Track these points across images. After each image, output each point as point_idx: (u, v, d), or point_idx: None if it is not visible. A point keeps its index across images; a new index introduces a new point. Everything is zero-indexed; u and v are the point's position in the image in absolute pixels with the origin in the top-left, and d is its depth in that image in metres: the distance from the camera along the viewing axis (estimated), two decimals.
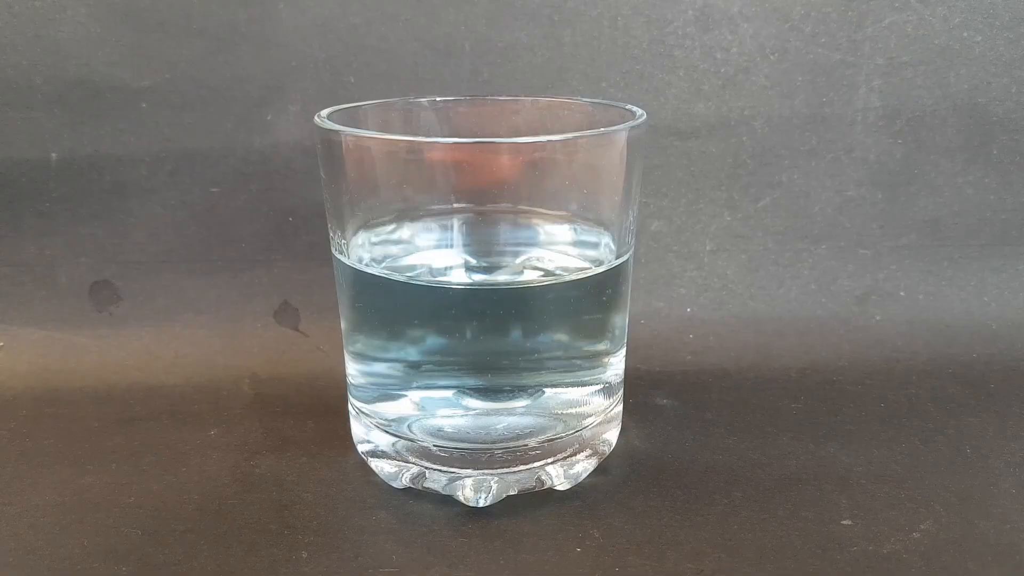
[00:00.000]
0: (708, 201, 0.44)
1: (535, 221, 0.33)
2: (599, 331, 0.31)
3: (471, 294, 0.29)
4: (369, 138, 0.28)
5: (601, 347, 0.31)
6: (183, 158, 0.43)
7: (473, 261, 0.32)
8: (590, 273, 0.30)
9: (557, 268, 0.32)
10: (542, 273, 0.33)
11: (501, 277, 0.32)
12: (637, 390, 0.38)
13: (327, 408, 0.37)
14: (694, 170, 0.44)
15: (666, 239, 0.45)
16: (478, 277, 0.32)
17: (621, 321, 0.32)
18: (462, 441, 0.29)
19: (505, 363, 0.29)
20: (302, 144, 0.42)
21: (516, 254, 0.33)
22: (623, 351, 0.33)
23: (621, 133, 0.29)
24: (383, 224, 0.32)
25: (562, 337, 0.30)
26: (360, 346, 0.31)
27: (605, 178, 0.30)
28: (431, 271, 0.32)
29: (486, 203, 0.31)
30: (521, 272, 0.32)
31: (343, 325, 0.32)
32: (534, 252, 0.33)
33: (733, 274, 0.45)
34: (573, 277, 0.30)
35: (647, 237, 0.45)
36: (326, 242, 0.32)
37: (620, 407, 0.34)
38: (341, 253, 0.30)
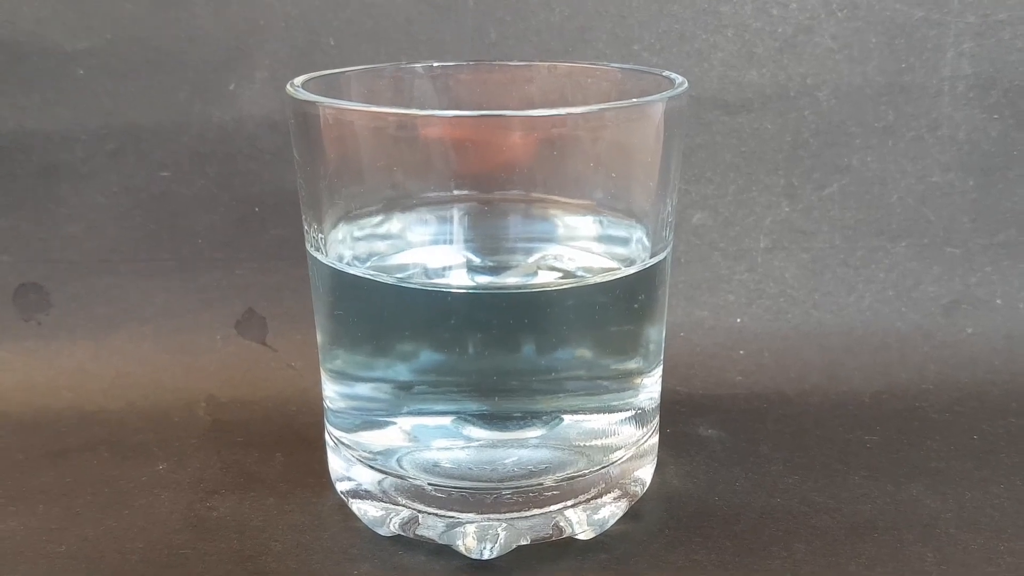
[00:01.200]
0: (762, 188, 0.44)
1: (552, 212, 0.33)
2: (630, 345, 0.31)
3: (474, 300, 0.29)
4: (353, 111, 0.28)
5: (632, 365, 0.31)
6: (127, 135, 0.43)
7: (477, 260, 0.32)
8: (619, 275, 0.30)
9: (578, 269, 0.32)
10: (560, 275, 0.32)
11: (510, 279, 0.32)
12: (676, 418, 0.39)
13: (299, 439, 0.37)
14: (745, 151, 0.44)
15: (711, 234, 0.45)
16: (483, 279, 0.32)
17: (657, 334, 0.32)
18: (463, 479, 0.29)
19: (515, 384, 0.29)
20: (271, 119, 0.42)
21: (529, 252, 0.33)
22: (659, 370, 0.33)
23: (657, 105, 0.28)
24: (368, 215, 0.32)
25: (584, 353, 0.30)
26: (340, 363, 0.31)
27: (638, 159, 0.29)
28: (426, 272, 0.32)
29: (493, 190, 0.31)
30: (535, 273, 0.32)
31: (319, 338, 0.32)
32: (550, 249, 0.33)
33: (792, 277, 0.45)
34: (598, 279, 0.30)
35: (688, 231, 0.44)
36: (299, 237, 0.32)
37: (655, 439, 0.34)
38: (318, 250, 0.30)
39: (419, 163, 0.29)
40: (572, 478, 0.30)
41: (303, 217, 0.31)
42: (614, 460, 0.31)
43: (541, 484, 0.29)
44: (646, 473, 0.33)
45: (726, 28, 0.43)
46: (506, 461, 0.29)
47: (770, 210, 0.44)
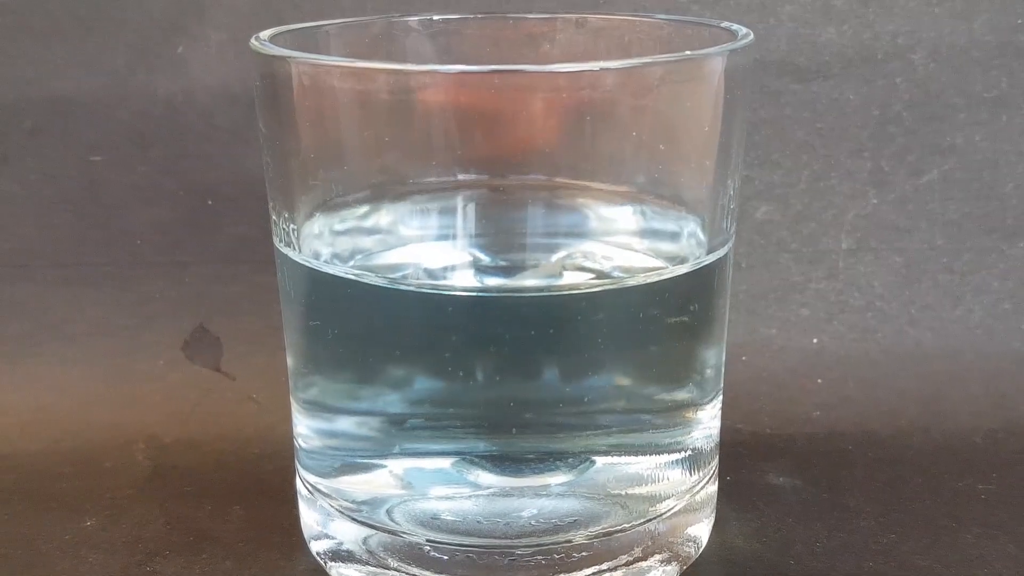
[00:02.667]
0: (843, 175, 0.44)
1: (581, 201, 0.33)
2: (680, 369, 0.30)
3: (482, 306, 0.29)
4: (333, 67, 0.28)
5: (683, 395, 0.31)
6: (51, 111, 0.43)
7: (486, 259, 0.32)
8: (666, 275, 0.30)
9: (614, 269, 0.32)
10: (592, 276, 0.32)
11: (529, 281, 0.31)
12: (739, 463, 0.38)
13: (263, 488, 0.37)
14: (822, 128, 0.44)
15: (780, 232, 0.45)
16: (494, 282, 0.32)
17: (714, 355, 0.32)
18: (469, 535, 0.29)
19: (532, 417, 0.29)
20: (229, 89, 0.43)
21: (551, 249, 0.32)
22: (717, 402, 0.33)
23: (716, 60, 0.28)
24: (352, 205, 0.32)
25: (622, 377, 0.30)
26: (315, 391, 0.31)
27: (691, 131, 0.29)
28: (423, 273, 0.31)
29: (507, 174, 0.31)
30: (559, 275, 0.32)
31: (290, 361, 0.32)
32: (579, 246, 0.33)
33: (883, 287, 0.45)
34: (640, 281, 0.30)
35: (751, 228, 0.45)
36: (264, 236, 0.32)
37: (713, 487, 0.33)
38: (288, 245, 0.30)
39: (415, 137, 0.29)
40: (608, 534, 0.30)
41: (270, 205, 0.31)
42: (661, 513, 0.31)
43: (569, 542, 0.29)
44: (701, 530, 0.33)
45: None
46: (523, 513, 0.29)
47: (854, 202, 0.44)
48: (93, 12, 0.42)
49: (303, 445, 0.32)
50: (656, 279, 0.29)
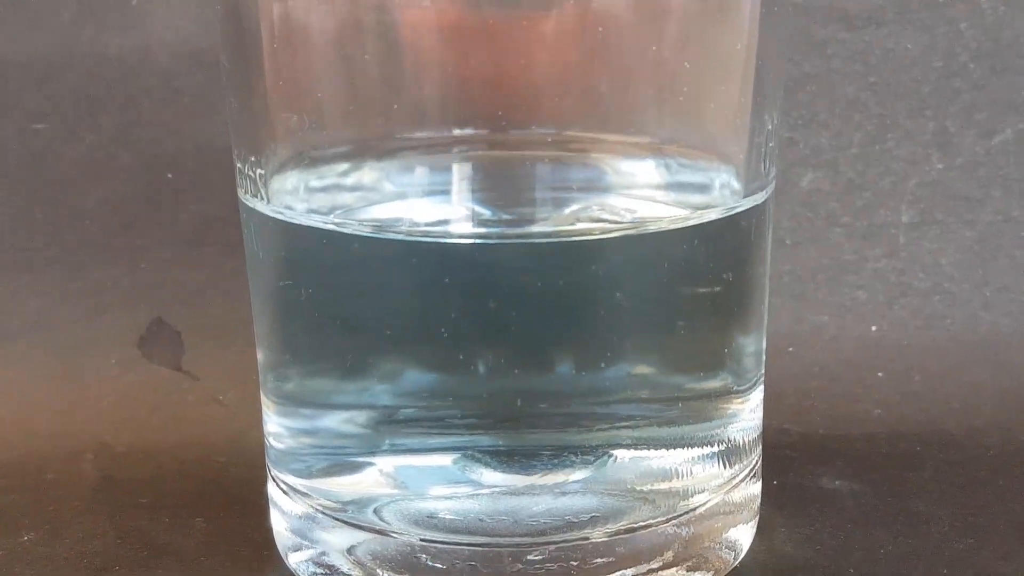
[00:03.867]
0: (902, 136, 0.44)
1: (596, 156, 0.32)
2: (713, 350, 0.31)
3: (482, 257, 0.28)
4: None
5: (716, 383, 0.31)
6: None
7: (487, 213, 0.31)
8: (693, 221, 0.30)
9: (636, 220, 0.32)
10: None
11: (536, 228, 0.31)
12: (787, 466, 0.38)
13: (230, 498, 0.37)
14: (875, 82, 0.44)
15: (829, 203, 0.45)
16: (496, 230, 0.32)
17: (755, 336, 0.32)
18: (471, 534, 0.29)
19: (544, 406, 0.29)
20: (191, 47, 0.43)
21: (563, 203, 0.32)
22: (759, 392, 0.32)
23: None
24: (330, 162, 0.32)
25: (645, 356, 0.30)
26: (289, 379, 0.31)
27: (721, 58, 0.29)
28: (413, 225, 0.31)
29: (509, 127, 0.31)
30: (572, 224, 0.32)
31: (259, 345, 0.32)
32: (595, 199, 0.32)
33: (951, 265, 0.45)
34: (664, 227, 0.30)
35: (796, 199, 0.45)
36: (231, 215, 0.32)
37: (755, 487, 0.33)
38: (256, 196, 0.30)
39: (398, 80, 0.29)
40: (631, 531, 0.30)
41: (234, 153, 0.31)
42: (692, 508, 0.30)
43: (586, 540, 0.29)
44: (741, 535, 0.33)
45: None
46: (533, 509, 0.29)
47: (915, 167, 0.45)
48: None
49: (276, 444, 0.32)
50: (682, 225, 0.29)
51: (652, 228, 0.30)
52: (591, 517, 0.29)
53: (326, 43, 0.29)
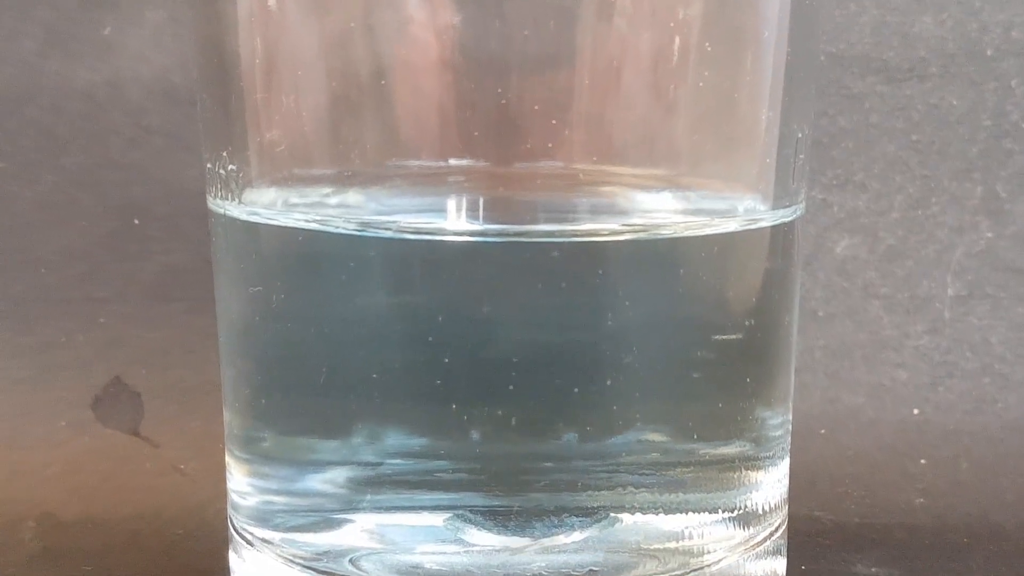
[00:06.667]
0: (948, 200, 0.45)
1: (607, 190, 0.33)
2: (735, 407, 0.31)
3: (475, 256, 0.29)
4: None
5: (732, 449, 0.31)
6: None
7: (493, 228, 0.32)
8: (712, 229, 0.30)
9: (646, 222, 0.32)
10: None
11: (540, 227, 0.32)
12: (819, 552, 0.39)
13: (188, 570, 0.37)
14: (919, 140, 0.45)
15: (867, 272, 0.45)
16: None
17: (780, 397, 0.32)
18: None
19: (547, 465, 0.30)
20: (166, 82, 0.44)
21: (570, 221, 0.33)
22: (784, 463, 0.33)
23: None
24: (313, 184, 0.32)
25: (658, 413, 0.30)
26: (268, 444, 0.32)
27: (745, 56, 0.30)
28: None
29: (513, 160, 0.32)
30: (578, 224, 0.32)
31: (226, 392, 0.33)
32: (607, 221, 0.33)
33: (1002, 344, 0.45)
34: (678, 232, 0.30)
35: (831, 267, 0.45)
36: (201, 267, 0.33)
37: (780, 564, 0.34)
38: (227, 198, 0.31)
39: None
40: None
41: (204, 155, 0.31)
42: (705, 564, 0.31)
43: None
44: None
45: None
46: (529, 567, 0.30)
47: (962, 235, 0.45)
48: None
49: (241, 502, 0.32)
50: (698, 233, 0.30)
51: (666, 233, 0.30)
52: (589, 571, 0.29)
53: (311, 63, 0.30)
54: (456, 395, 0.29)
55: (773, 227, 0.31)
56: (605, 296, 0.29)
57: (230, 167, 0.31)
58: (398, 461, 0.30)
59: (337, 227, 0.30)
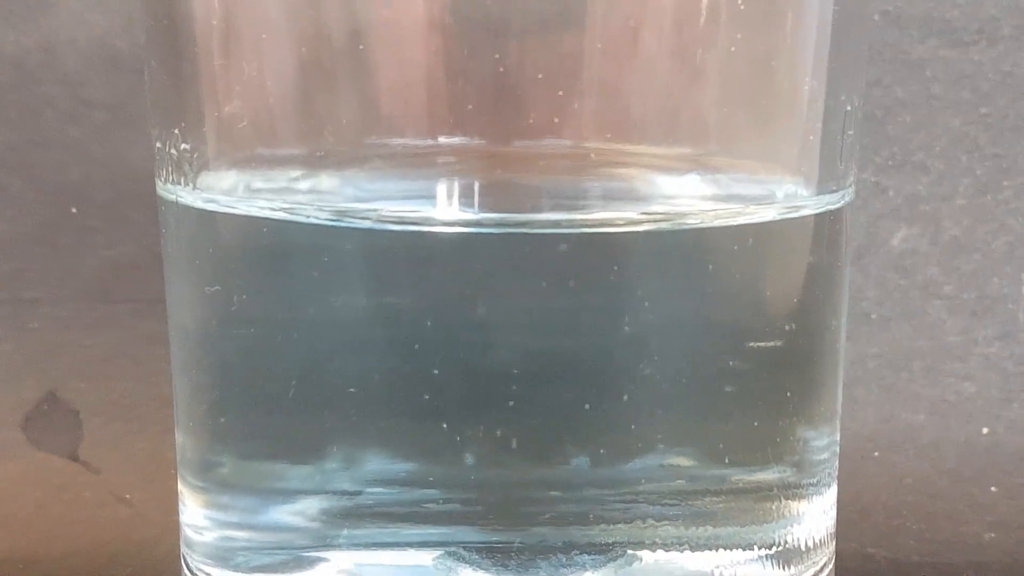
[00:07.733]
0: (1022, 184, 0.45)
1: (623, 172, 0.33)
2: (773, 427, 0.31)
3: (468, 250, 0.29)
4: None
5: (769, 475, 0.31)
6: None
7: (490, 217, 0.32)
8: (746, 219, 0.30)
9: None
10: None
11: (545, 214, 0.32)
12: None
13: None
14: (989, 114, 0.45)
15: (927, 268, 0.45)
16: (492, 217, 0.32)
17: (827, 416, 0.32)
18: None
19: (555, 495, 0.30)
20: (109, 46, 0.44)
21: (581, 209, 0.33)
22: (831, 491, 0.33)
23: None
24: (280, 166, 0.32)
25: (686, 433, 0.30)
26: (228, 470, 0.32)
27: (777, 27, 0.30)
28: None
29: (513, 137, 0.32)
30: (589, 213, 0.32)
31: (177, 408, 0.32)
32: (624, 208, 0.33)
33: None
34: (708, 222, 0.30)
35: (887, 261, 0.45)
36: (150, 260, 0.33)
37: None
38: (179, 183, 0.31)
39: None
40: None
41: (152, 126, 0.31)
42: None
43: None
44: None
45: None
46: None
47: None
48: None
49: (198, 538, 0.32)
50: (730, 222, 0.30)
51: (692, 223, 0.30)
52: None
53: (278, 23, 0.30)
54: (447, 412, 0.29)
55: (817, 215, 0.31)
56: (621, 297, 0.29)
57: (183, 146, 0.31)
58: (380, 490, 0.30)
59: (308, 216, 0.30)
